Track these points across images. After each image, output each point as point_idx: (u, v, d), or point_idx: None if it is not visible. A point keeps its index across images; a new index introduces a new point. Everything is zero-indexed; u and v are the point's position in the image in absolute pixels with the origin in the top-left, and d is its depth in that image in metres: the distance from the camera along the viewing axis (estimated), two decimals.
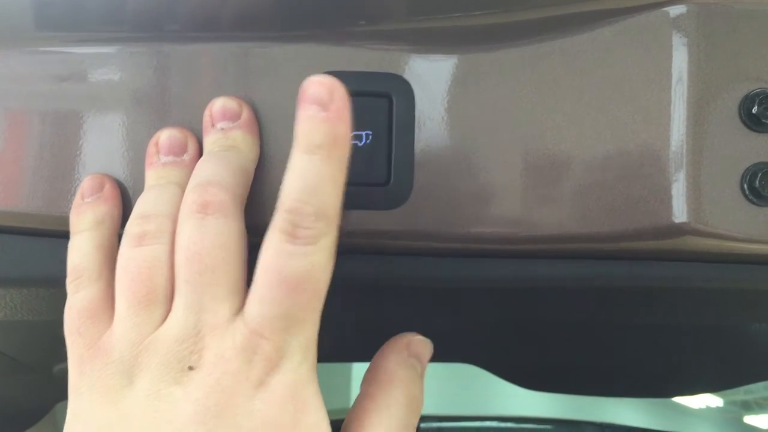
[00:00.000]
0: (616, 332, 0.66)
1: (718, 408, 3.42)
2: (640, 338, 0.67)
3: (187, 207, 0.28)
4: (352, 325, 0.42)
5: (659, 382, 0.81)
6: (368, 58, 0.31)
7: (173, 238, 0.28)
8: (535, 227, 0.30)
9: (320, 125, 0.26)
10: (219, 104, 0.30)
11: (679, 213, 0.29)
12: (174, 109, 0.31)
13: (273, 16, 0.31)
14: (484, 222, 0.30)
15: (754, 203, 0.29)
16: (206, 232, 0.27)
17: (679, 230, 0.29)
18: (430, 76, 0.31)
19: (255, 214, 0.30)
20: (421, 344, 0.31)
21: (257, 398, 0.26)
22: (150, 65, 0.31)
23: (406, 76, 0.31)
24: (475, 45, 0.31)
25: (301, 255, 0.26)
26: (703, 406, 3.34)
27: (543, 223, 0.30)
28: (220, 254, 0.27)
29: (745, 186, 0.29)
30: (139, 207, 0.29)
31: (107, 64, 0.31)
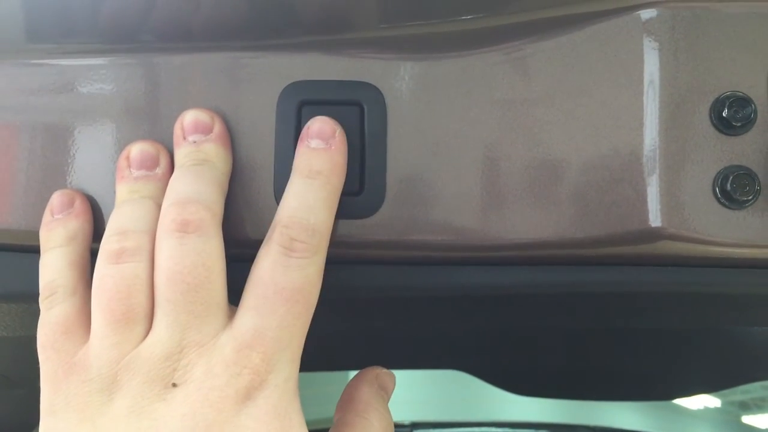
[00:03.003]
0: (605, 337, 0.66)
1: (716, 408, 3.42)
2: (632, 342, 0.67)
3: (166, 225, 0.28)
4: (333, 335, 0.42)
5: (652, 385, 0.81)
6: (339, 67, 0.31)
7: (152, 255, 0.28)
8: (509, 234, 0.30)
9: (322, 154, 0.29)
10: (190, 117, 0.30)
11: (654, 218, 0.29)
12: (144, 121, 0.31)
13: (243, 26, 0.31)
14: (458, 230, 0.30)
15: (726, 207, 0.29)
16: (187, 251, 0.27)
17: (654, 235, 0.29)
18: (402, 84, 0.31)
19: (227, 226, 0.30)
20: (387, 376, 0.33)
21: (244, 413, 0.26)
22: (118, 78, 0.31)
23: (378, 84, 0.31)
24: (446, 51, 0.31)
25: (297, 267, 0.28)
26: (701, 407, 3.34)
27: (517, 229, 0.30)
28: (202, 273, 0.27)
29: (718, 190, 0.29)
30: (115, 222, 0.29)
31: (74, 78, 0.31)
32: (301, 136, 0.30)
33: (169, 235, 0.27)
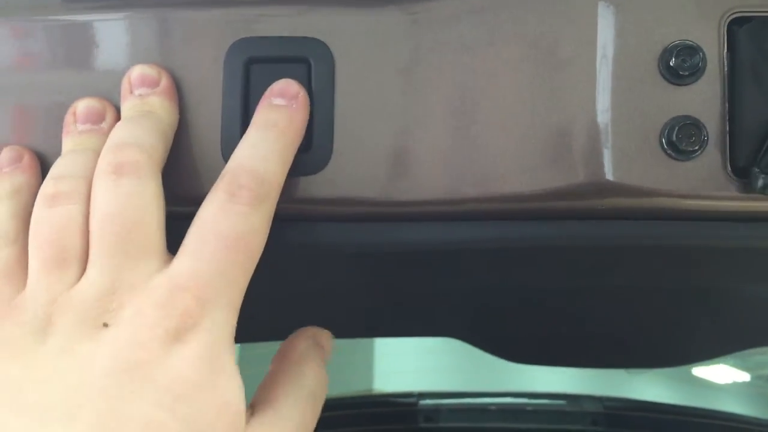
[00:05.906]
0: (604, 301, 0.65)
1: (744, 383, 3.38)
2: (631, 307, 0.66)
3: (101, 168, 0.28)
4: (298, 299, 0.42)
5: (658, 351, 0.80)
6: (285, 23, 0.31)
7: (87, 198, 0.28)
8: (456, 190, 0.30)
9: (281, 110, 0.29)
10: (137, 71, 0.30)
11: (600, 171, 0.28)
12: (92, 79, 0.31)
13: None
14: (405, 186, 0.30)
15: (673, 158, 0.28)
16: (121, 193, 0.27)
17: (601, 188, 0.29)
18: (349, 38, 0.30)
19: (173, 182, 0.30)
20: (325, 335, 0.33)
21: (174, 354, 0.26)
22: (67, 37, 0.31)
23: (325, 39, 0.30)
24: (395, 3, 0.30)
25: (241, 215, 0.27)
26: (730, 381, 3.30)
27: (464, 184, 0.30)
28: (135, 215, 0.27)
29: (664, 141, 0.28)
30: (54, 169, 0.29)
31: (24, 35, 0.31)
32: (264, 94, 0.30)
33: (104, 178, 0.28)
